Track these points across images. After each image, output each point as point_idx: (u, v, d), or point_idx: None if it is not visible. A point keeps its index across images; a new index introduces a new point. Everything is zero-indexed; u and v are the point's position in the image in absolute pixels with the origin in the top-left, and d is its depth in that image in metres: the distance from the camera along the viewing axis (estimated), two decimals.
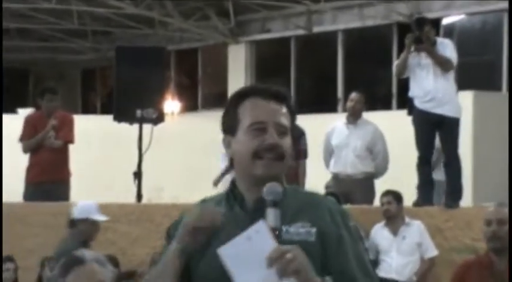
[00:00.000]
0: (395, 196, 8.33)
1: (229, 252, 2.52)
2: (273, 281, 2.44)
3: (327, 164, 9.21)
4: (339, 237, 2.59)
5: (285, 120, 2.66)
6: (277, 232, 2.51)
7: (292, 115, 2.71)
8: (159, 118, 9.05)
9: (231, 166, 2.74)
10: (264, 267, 2.44)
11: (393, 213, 8.17)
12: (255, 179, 2.63)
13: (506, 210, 5.08)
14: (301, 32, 15.17)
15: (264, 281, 2.46)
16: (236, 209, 2.65)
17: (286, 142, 2.64)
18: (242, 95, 2.69)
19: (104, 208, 8.65)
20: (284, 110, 2.68)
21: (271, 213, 2.54)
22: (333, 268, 2.57)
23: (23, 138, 9.10)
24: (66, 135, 9.10)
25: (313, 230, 2.57)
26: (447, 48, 8.39)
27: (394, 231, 8.18)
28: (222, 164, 10.39)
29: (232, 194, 2.69)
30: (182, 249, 2.62)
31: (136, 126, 9.06)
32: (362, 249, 2.68)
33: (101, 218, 6.93)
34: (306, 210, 2.60)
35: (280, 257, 2.42)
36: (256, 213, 2.58)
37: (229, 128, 2.69)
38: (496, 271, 4.93)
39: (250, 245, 2.50)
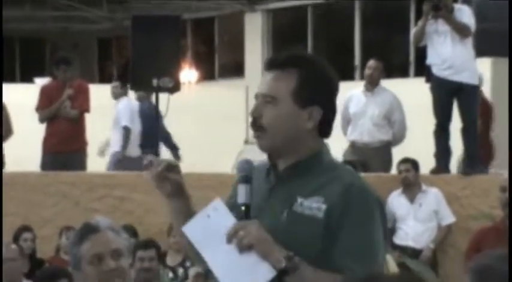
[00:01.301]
0: (413, 164, 8.34)
1: (191, 230, 2.62)
2: (236, 256, 2.52)
3: (345, 132, 9.18)
4: (343, 214, 2.52)
5: (272, 88, 2.59)
6: (243, 208, 2.57)
7: (304, 77, 2.58)
8: (175, 87, 9.04)
9: None
10: (226, 243, 2.54)
11: (411, 180, 8.19)
12: (261, 151, 2.67)
13: None
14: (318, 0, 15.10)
15: (227, 256, 2.53)
16: (270, 178, 2.67)
17: (270, 112, 2.58)
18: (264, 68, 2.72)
19: (120, 178, 8.71)
20: (282, 75, 2.60)
21: (241, 189, 2.59)
22: (324, 245, 2.53)
23: (39, 108, 9.13)
24: (82, 104, 9.11)
25: (324, 206, 2.54)
26: (464, 14, 8.33)
27: (411, 199, 8.19)
28: None
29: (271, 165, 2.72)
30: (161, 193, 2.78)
31: (154, 95, 9.08)
32: (372, 234, 2.54)
33: None
34: (326, 186, 2.57)
35: (235, 233, 2.51)
36: (277, 184, 2.63)
37: None
38: None
39: (209, 222, 2.59)
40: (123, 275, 3.01)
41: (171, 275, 7.66)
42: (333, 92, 2.66)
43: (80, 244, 3.06)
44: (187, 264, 7.74)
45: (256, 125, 2.60)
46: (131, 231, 7.58)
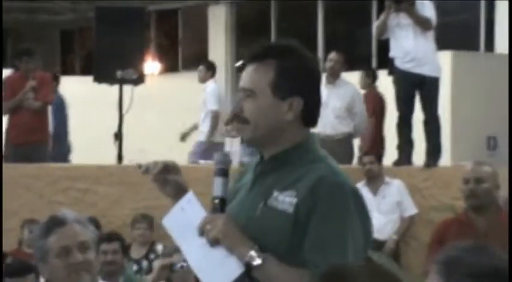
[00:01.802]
0: (376, 156, 8.41)
1: (170, 222, 2.63)
2: (209, 250, 2.52)
3: None
4: (311, 208, 2.47)
5: (250, 81, 2.58)
6: (216, 201, 2.56)
7: (282, 68, 2.54)
8: (139, 79, 9.03)
9: None
10: (199, 237, 2.54)
11: (375, 173, 8.24)
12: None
13: (483, 168, 5.14)
14: None
15: (201, 249, 2.53)
16: (256, 169, 2.66)
17: (250, 105, 2.56)
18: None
19: (83, 170, 8.68)
20: (260, 67, 2.57)
21: (217, 182, 2.58)
22: (293, 240, 2.49)
23: (2, 100, 9.06)
24: (45, 96, 9.05)
25: (295, 200, 2.49)
26: (426, 7, 8.41)
27: (374, 191, 8.25)
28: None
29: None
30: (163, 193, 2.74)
31: (116, 87, 9.04)
32: (342, 228, 2.47)
33: None
34: (301, 180, 2.51)
35: (203, 227, 2.52)
36: (258, 176, 2.61)
37: None
38: (475, 229, 4.99)
39: (184, 215, 2.59)
40: (90, 267, 3.03)
41: (135, 267, 7.64)
42: (315, 81, 2.61)
43: (47, 237, 3.06)
44: (152, 256, 7.73)
45: (239, 118, 2.59)
46: (94, 223, 7.55)
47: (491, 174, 5.09)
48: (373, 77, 10.40)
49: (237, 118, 2.60)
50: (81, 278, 2.98)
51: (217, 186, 2.57)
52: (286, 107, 2.55)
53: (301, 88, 2.56)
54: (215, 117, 10.10)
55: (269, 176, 2.58)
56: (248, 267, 2.45)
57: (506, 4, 10.87)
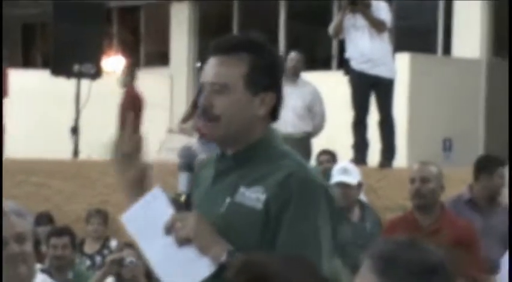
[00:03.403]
0: (332, 155, 8.46)
1: (130, 219, 2.48)
2: (174, 250, 2.40)
3: None
4: (283, 204, 2.41)
5: (222, 76, 2.46)
6: (183, 197, 2.52)
7: (255, 62, 2.46)
8: (97, 73, 9.02)
9: None
10: (163, 235, 2.41)
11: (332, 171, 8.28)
12: (210, 140, 2.56)
13: (429, 168, 5.22)
14: None
15: (165, 249, 2.41)
16: (217, 165, 2.55)
17: (222, 100, 2.45)
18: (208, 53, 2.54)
19: (39, 164, 8.65)
20: (231, 60, 2.46)
21: (182, 178, 2.50)
22: (265, 236, 2.41)
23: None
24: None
25: (263, 196, 2.42)
26: (382, 10, 8.49)
27: None
28: None
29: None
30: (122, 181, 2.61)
31: (76, 81, 9.03)
32: (314, 223, 2.42)
33: None
34: (268, 175, 2.44)
35: (173, 225, 2.39)
36: (221, 172, 2.52)
37: None
38: (420, 227, 5.06)
39: (148, 211, 2.45)
40: (28, 258, 2.96)
41: (88, 262, 7.62)
42: (281, 76, 2.56)
43: None
44: (105, 252, 7.71)
45: (209, 114, 2.46)
46: (48, 218, 7.53)
47: (436, 174, 5.17)
48: (132, 76, 10.19)
49: (206, 114, 2.47)
50: (18, 269, 2.92)
51: (182, 182, 2.51)
52: (258, 102, 2.49)
53: (272, 83, 2.51)
54: None
55: (233, 172, 2.49)
56: (223, 267, 2.35)
57: (464, 8, 11.01)
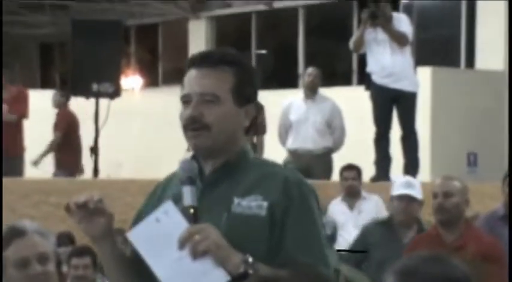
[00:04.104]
0: (358, 171, 8.32)
1: (139, 236, 2.47)
2: (187, 263, 2.39)
3: (283, 140, 9.17)
4: (285, 209, 2.47)
5: (212, 87, 2.52)
6: (192, 210, 2.45)
7: (240, 76, 2.55)
8: (115, 92, 8.97)
9: None
10: (177, 249, 2.39)
11: (357, 188, 8.15)
12: (195, 151, 2.56)
13: (452, 183, 5.12)
14: (262, 7, 15.11)
15: (178, 264, 2.40)
16: (197, 182, 2.54)
17: (214, 110, 2.51)
18: (187, 67, 2.60)
19: (55, 184, 8.59)
20: (218, 73, 2.54)
21: (187, 191, 2.48)
22: (272, 242, 2.46)
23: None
24: (21, 109, 9.04)
25: (265, 203, 2.47)
26: (402, 23, 8.42)
27: (351, 206, 8.19)
28: None
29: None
30: (89, 235, 2.64)
31: (94, 100, 9.00)
32: (315, 225, 2.51)
33: None
34: (262, 183, 2.50)
35: (190, 238, 2.38)
36: (208, 186, 2.53)
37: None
38: (444, 243, 4.96)
39: (159, 227, 2.44)
40: (50, 279, 2.96)
41: None
42: (258, 88, 2.65)
43: (6, 248, 2.99)
44: None
45: (201, 123, 2.50)
46: (68, 238, 7.45)
47: (460, 188, 5.06)
48: (67, 97, 10.17)
49: (195, 124, 2.51)
50: None
51: (187, 195, 2.47)
52: (244, 114, 2.58)
53: (253, 96, 2.60)
54: None
55: (221, 185, 2.53)
56: (241, 277, 2.37)
57: (486, 20, 10.92)
